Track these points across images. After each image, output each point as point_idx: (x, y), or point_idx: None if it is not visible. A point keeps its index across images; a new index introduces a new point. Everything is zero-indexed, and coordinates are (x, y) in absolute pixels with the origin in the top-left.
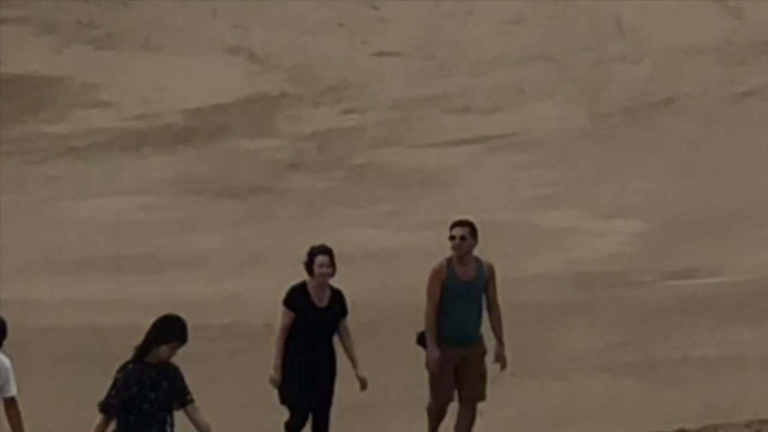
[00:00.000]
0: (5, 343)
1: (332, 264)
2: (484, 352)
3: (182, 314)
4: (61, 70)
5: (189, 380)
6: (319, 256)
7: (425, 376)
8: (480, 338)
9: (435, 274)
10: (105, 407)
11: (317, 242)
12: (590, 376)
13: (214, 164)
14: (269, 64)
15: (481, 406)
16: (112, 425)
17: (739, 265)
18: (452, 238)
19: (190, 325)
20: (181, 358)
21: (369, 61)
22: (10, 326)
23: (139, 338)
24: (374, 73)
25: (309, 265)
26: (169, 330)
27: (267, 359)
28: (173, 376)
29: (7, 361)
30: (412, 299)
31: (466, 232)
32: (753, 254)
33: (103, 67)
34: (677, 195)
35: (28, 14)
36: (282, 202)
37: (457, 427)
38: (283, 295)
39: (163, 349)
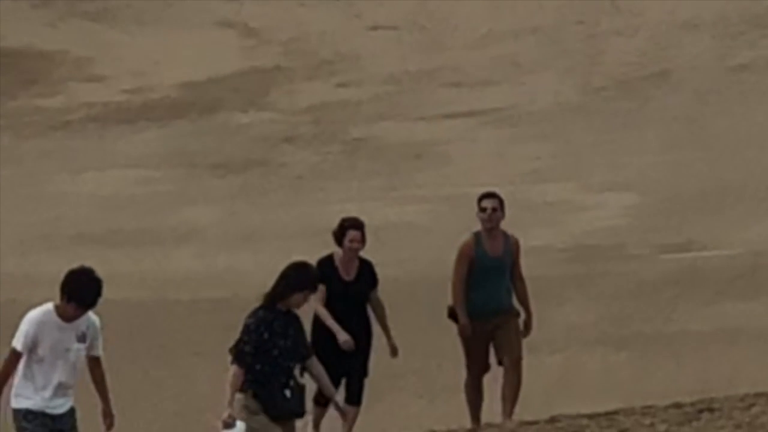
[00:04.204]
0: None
1: (363, 239)
2: (517, 315)
3: (184, 288)
4: (56, 44)
5: (184, 352)
6: (352, 230)
7: (425, 348)
8: (511, 305)
9: (463, 251)
10: (239, 355)
11: (310, 216)
12: (585, 349)
13: (208, 138)
14: (264, 38)
15: None
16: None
17: (733, 239)
18: (483, 210)
19: (185, 299)
20: (175, 330)
21: (364, 35)
22: (4, 300)
23: (134, 312)
24: (369, 47)
25: (339, 237)
26: (303, 277)
27: None
28: (299, 326)
29: (97, 320)
30: (406, 273)
31: (496, 204)
32: (747, 228)
33: (98, 41)
34: (671, 169)
35: None
36: (276, 176)
37: (504, 388)
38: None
39: (297, 297)
